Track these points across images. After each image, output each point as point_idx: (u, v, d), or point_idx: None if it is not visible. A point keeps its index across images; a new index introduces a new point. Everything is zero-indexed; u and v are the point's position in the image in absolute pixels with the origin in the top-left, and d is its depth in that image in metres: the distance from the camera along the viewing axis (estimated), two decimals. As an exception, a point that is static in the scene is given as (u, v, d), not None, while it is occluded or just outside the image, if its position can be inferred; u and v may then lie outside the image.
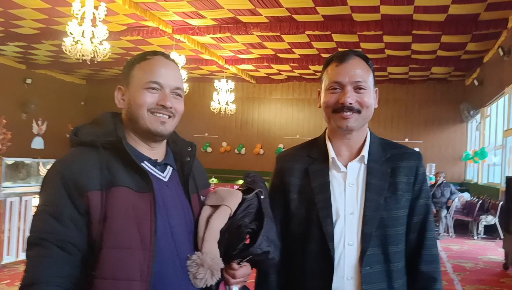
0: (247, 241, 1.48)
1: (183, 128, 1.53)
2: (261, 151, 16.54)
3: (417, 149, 1.77)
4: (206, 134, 16.77)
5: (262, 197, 1.54)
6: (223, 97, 14.03)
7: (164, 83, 1.47)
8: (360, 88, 1.59)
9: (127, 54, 12.64)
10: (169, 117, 1.48)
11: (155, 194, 1.38)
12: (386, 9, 8.67)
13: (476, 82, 12.34)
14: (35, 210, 1.38)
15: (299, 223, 1.63)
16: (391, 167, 1.63)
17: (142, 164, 1.44)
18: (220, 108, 14.12)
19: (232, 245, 1.44)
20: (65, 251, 1.31)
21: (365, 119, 1.62)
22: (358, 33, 9.99)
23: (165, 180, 1.49)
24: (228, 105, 14.19)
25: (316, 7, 8.74)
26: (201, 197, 1.58)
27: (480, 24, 9.08)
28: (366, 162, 1.63)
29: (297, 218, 1.63)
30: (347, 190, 1.60)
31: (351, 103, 1.57)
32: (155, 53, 1.52)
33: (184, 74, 11.63)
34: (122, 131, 1.47)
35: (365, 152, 1.63)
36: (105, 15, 7.92)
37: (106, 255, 1.32)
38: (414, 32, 9.78)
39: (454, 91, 14.67)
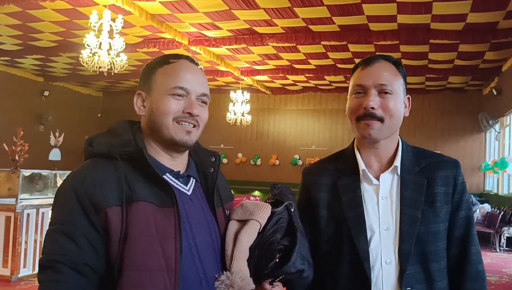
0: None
1: (199, 139, 1.45)
2: (277, 162, 16.43)
3: None
4: (222, 145, 16.73)
5: (292, 210, 1.44)
6: (238, 108, 14.05)
7: (190, 89, 1.36)
8: (386, 92, 1.48)
9: (144, 66, 12.70)
10: (194, 126, 1.38)
11: (179, 209, 1.27)
12: (402, 18, 8.58)
13: (494, 91, 12.15)
14: (48, 229, 1.26)
15: (329, 242, 1.52)
16: (426, 178, 1.52)
17: (164, 176, 1.33)
18: (236, 119, 14.13)
19: (263, 264, 1.33)
20: (80, 274, 1.19)
21: (390, 128, 1.51)
22: (374, 43, 9.91)
23: (189, 193, 1.39)
24: (243, 116, 14.19)
25: (332, 17, 8.68)
26: (226, 211, 1.48)
27: (499, 32, 8.93)
28: (399, 173, 1.52)
29: (327, 236, 1.52)
30: (381, 204, 1.49)
31: (373, 107, 1.46)
32: (178, 56, 1.42)
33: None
34: (141, 140, 1.36)
35: (397, 162, 1.53)
36: (122, 27, 7.96)
37: (127, 278, 1.20)
38: (431, 41, 9.66)
39: (471, 100, 14.46)
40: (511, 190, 11.39)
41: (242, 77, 13.47)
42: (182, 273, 1.23)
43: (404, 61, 11.44)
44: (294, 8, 8.30)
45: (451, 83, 13.80)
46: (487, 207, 11.32)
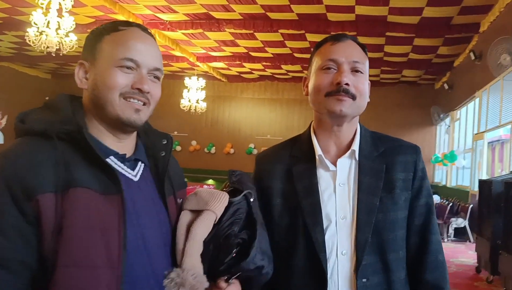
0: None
1: (152, 125, 1.29)
2: (231, 151, 16.31)
3: None
4: (176, 132, 16.41)
5: (251, 199, 1.30)
6: (193, 95, 13.80)
7: (141, 62, 1.20)
8: (357, 71, 1.41)
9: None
10: (144, 104, 1.21)
11: (124, 197, 1.11)
12: (361, 10, 8.58)
13: (446, 86, 12.46)
14: None
15: (284, 233, 1.41)
16: (385, 163, 1.44)
17: (108, 159, 1.16)
18: (190, 106, 13.87)
19: (219, 259, 1.19)
20: (10, 271, 1.02)
21: (359, 108, 1.43)
22: (332, 33, 9.70)
23: (136, 179, 1.22)
24: (198, 103, 13.97)
25: (291, 5, 8.58)
26: (178, 199, 1.32)
27: (453, 27, 9.12)
28: (357, 158, 1.44)
29: (281, 228, 1.41)
30: (338, 191, 1.41)
31: (347, 84, 1.37)
32: (129, 23, 1.24)
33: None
34: (82, 118, 1.19)
35: (355, 146, 1.44)
36: (72, 6, 7.60)
37: (62, 276, 1.03)
38: (387, 34, 9.76)
39: (424, 94, 14.79)
40: (459, 182, 11.74)
41: (198, 63, 13.22)
42: (127, 269, 1.08)
43: (360, 53, 11.51)
44: (253, -6, 8.15)
45: (405, 77, 14.06)
46: (436, 198, 11.62)
